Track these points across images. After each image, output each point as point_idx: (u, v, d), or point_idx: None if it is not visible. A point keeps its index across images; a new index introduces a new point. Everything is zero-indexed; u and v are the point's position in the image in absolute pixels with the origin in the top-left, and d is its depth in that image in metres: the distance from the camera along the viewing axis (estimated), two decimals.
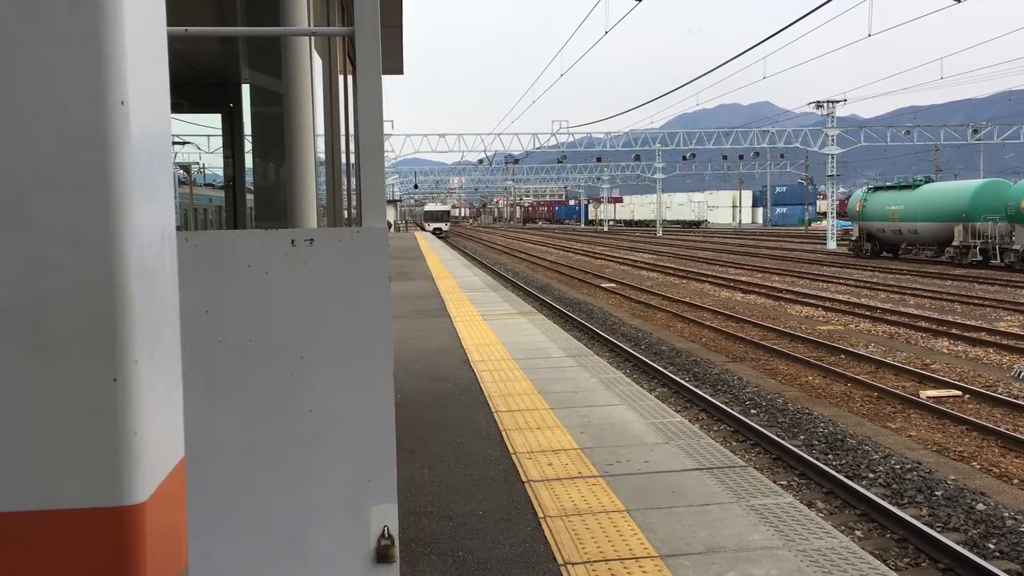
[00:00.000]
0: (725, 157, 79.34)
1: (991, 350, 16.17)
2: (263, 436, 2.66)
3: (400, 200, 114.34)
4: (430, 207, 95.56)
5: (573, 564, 4.29)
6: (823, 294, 25.49)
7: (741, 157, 79.82)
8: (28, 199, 1.17)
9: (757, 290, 27.30)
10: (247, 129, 7.39)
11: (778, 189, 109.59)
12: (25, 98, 1.16)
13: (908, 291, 25.97)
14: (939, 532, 7.47)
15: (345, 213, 6.10)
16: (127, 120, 1.19)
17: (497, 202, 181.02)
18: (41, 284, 1.17)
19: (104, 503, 1.19)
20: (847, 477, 8.99)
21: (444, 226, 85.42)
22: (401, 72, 13.96)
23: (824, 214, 69.86)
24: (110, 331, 1.19)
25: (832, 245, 51.40)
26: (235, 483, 2.66)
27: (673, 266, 38.49)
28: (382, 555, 2.73)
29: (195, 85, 7.85)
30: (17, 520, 1.17)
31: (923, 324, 19.23)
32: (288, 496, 2.69)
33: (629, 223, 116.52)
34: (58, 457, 1.18)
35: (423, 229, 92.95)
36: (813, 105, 56.50)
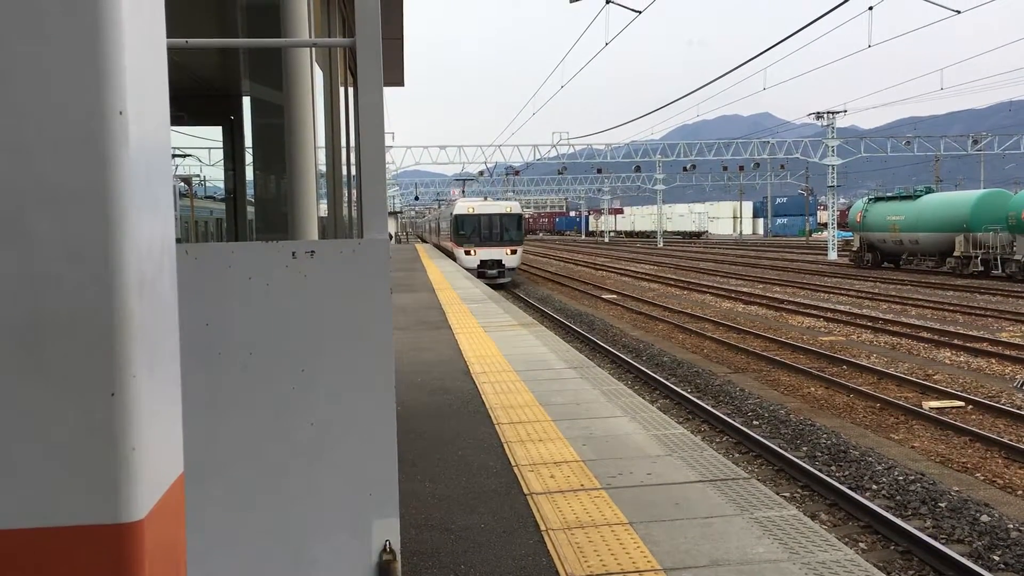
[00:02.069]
0: (725, 168, 79.38)
1: (993, 360, 16.13)
2: (264, 449, 2.64)
3: (401, 212, 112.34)
4: (466, 207, 39.73)
5: None
6: (824, 305, 25.45)
7: (741, 168, 79.86)
8: (25, 211, 1.15)
9: (758, 301, 27.27)
10: (248, 141, 7.39)
11: (779, 200, 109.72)
12: (22, 108, 1.15)
13: (910, 302, 25.93)
14: (943, 544, 7.42)
15: (346, 225, 6.09)
16: (126, 130, 1.18)
17: None
18: (38, 298, 1.16)
19: (102, 520, 1.17)
20: (851, 489, 8.95)
21: (509, 256, 37.43)
22: (402, 84, 13.99)
23: (825, 225, 69.88)
24: (108, 345, 1.17)
25: (833, 256, 51.41)
26: (236, 497, 2.63)
27: (674, 277, 38.47)
28: (384, 570, 2.70)
29: (196, 97, 7.86)
30: (12, 538, 1.15)
31: (925, 335, 19.19)
32: (289, 510, 2.67)
33: (630, 234, 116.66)
34: (54, 473, 1.16)
35: (442, 251, 49.14)
36: (813, 116, 56.63)
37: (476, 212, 38.58)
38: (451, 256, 41.47)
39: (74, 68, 1.15)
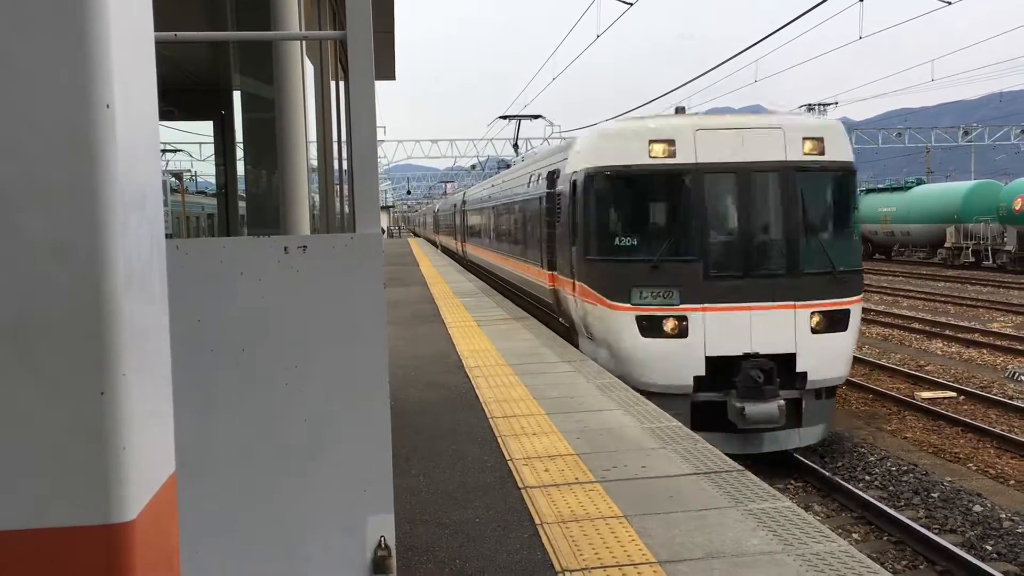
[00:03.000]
0: None
1: (985, 351, 16.18)
2: (258, 447, 2.62)
3: (393, 206, 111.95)
4: (644, 132, 9.07)
5: (571, 571, 4.24)
6: None
7: None
8: (11, 207, 1.13)
9: None
10: (239, 136, 7.35)
11: None
12: (7, 101, 1.12)
13: (901, 293, 26.00)
14: (936, 534, 7.45)
15: (338, 219, 6.06)
16: (113, 124, 1.16)
17: None
18: (25, 296, 1.13)
19: (92, 521, 1.15)
20: (844, 480, 8.97)
21: (821, 338, 8.77)
22: (393, 78, 13.91)
23: None
24: (97, 343, 1.15)
25: None
26: (230, 495, 2.62)
27: None
28: (379, 566, 2.69)
29: (187, 92, 7.81)
30: (2, 540, 1.13)
31: (917, 326, 19.24)
32: (284, 507, 2.65)
33: None
34: (44, 474, 1.14)
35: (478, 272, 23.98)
36: (805, 108, 56.65)
37: (707, 160, 9.43)
38: (540, 307, 14.68)
39: (60, 59, 1.13)
